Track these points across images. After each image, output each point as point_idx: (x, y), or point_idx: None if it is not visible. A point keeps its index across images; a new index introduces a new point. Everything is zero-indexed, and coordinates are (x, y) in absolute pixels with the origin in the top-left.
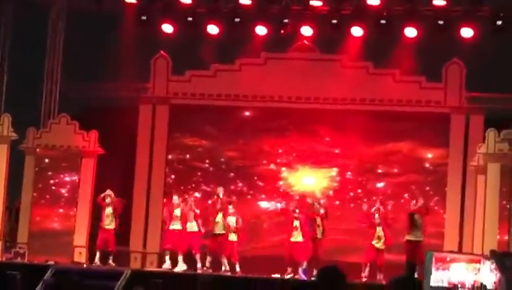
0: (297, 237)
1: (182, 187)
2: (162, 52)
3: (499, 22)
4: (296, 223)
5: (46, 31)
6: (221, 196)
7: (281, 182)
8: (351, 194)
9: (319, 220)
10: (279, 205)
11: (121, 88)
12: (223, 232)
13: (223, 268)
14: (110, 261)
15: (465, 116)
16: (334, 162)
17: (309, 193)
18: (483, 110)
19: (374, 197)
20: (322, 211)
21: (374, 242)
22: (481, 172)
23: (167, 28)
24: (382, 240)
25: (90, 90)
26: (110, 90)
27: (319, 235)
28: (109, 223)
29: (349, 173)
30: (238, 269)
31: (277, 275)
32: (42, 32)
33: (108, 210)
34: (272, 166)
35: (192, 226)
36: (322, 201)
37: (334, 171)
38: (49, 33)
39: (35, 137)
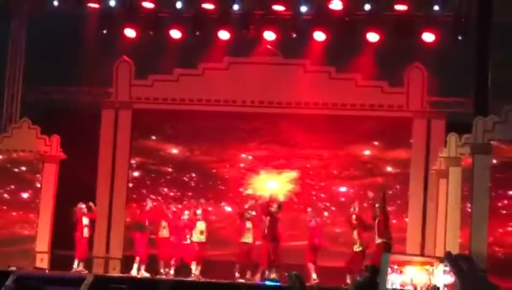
0: (248, 238)
1: (144, 191)
2: (124, 57)
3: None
4: (248, 224)
5: (7, 36)
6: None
7: (243, 187)
8: (314, 198)
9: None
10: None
11: (83, 93)
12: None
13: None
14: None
15: (427, 120)
16: (297, 166)
17: (271, 196)
18: (444, 115)
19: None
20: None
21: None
22: (443, 176)
23: (129, 33)
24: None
25: (52, 94)
26: (72, 95)
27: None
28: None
29: (311, 177)
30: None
31: (242, 280)
32: (3, 36)
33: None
34: (235, 170)
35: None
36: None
37: (297, 175)
38: (10, 37)
39: None
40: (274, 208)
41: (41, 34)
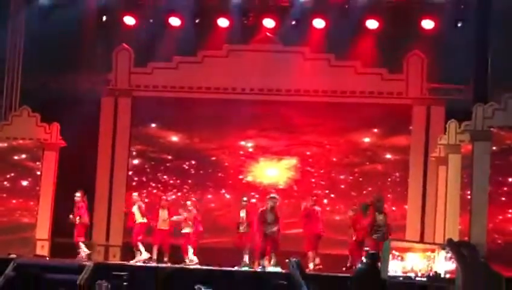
0: (244, 228)
1: (143, 179)
2: (124, 44)
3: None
4: (242, 214)
5: (6, 24)
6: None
7: (243, 174)
8: (314, 185)
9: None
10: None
11: (82, 80)
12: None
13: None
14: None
15: (427, 107)
16: (297, 153)
17: (271, 186)
18: (444, 102)
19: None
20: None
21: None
22: (442, 163)
23: (129, 20)
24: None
25: (52, 82)
26: (72, 82)
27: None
28: None
29: (311, 164)
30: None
31: (243, 267)
32: (2, 25)
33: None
34: (235, 157)
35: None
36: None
37: (296, 162)
38: (9, 26)
39: None
40: (270, 203)
41: (40, 22)
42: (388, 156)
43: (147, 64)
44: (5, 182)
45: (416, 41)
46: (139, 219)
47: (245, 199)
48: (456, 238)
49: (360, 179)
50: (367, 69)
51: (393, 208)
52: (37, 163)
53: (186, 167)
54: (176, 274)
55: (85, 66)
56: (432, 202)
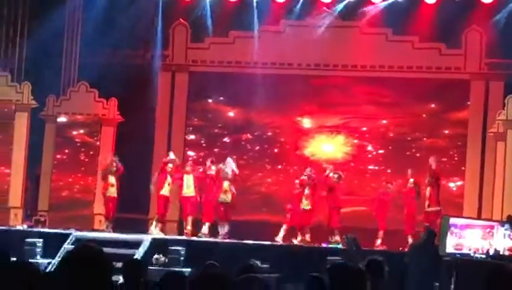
0: (306, 205)
1: (201, 154)
2: (181, 19)
3: None
4: (306, 191)
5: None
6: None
7: (299, 150)
8: (370, 161)
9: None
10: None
11: (140, 56)
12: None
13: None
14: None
15: (485, 82)
16: (354, 128)
17: (326, 161)
18: (503, 77)
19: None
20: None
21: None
22: (501, 139)
23: None
24: None
25: (110, 57)
26: (129, 57)
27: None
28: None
29: (368, 140)
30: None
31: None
32: (61, 0)
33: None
34: (291, 132)
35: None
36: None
37: (353, 138)
38: (68, 1)
39: (55, 105)
40: (334, 179)
41: None
42: (445, 131)
43: (204, 39)
44: (64, 157)
45: (475, 16)
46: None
47: (306, 173)
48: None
49: (418, 154)
50: (425, 43)
51: (451, 185)
52: (95, 138)
53: (243, 142)
54: (232, 249)
55: (142, 41)
56: (489, 178)
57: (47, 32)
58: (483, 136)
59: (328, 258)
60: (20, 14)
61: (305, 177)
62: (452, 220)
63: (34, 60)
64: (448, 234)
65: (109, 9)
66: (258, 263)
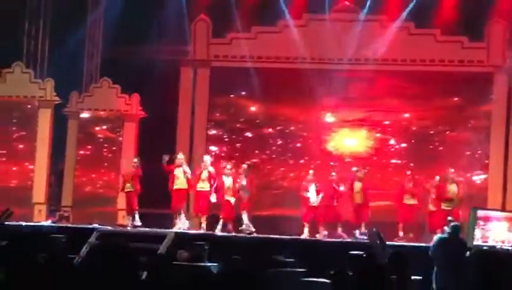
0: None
1: (224, 149)
2: (202, 15)
3: None
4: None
5: None
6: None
7: (322, 144)
8: (393, 155)
9: (358, 186)
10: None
11: (162, 51)
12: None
13: None
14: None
15: (508, 75)
16: (376, 122)
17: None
18: None
19: None
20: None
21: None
22: None
23: None
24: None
25: (131, 53)
26: (151, 53)
27: (358, 200)
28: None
29: (391, 133)
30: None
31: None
32: None
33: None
34: (314, 127)
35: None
36: (362, 171)
37: (376, 132)
38: None
39: (78, 101)
40: (360, 173)
41: None
42: (469, 124)
43: (226, 34)
44: (88, 152)
45: (497, 8)
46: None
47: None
48: None
49: (440, 148)
50: (447, 37)
51: (474, 177)
52: (118, 134)
53: (265, 137)
54: (255, 244)
55: (164, 36)
56: None
57: (69, 29)
58: (506, 129)
59: (351, 252)
60: (43, 11)
61: (334, 177)
62: (480, 212)
63: (57, 56)
64: (476, 226)
65: (131, 5)
66: (282, 257)
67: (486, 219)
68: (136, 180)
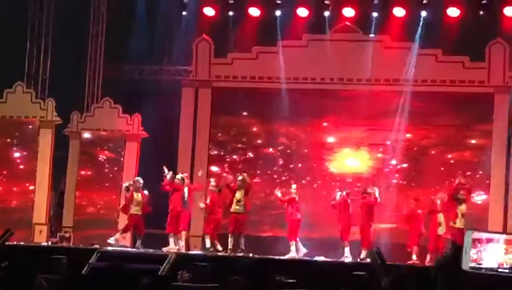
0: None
1: (225, 169)
2: (204, 35)
3: None
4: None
5: (88, 15)
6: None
7: (323, 164)
8: (396, 175)
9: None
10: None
11: (163, 71)
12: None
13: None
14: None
15: (510, 95)
16: (377, 142)
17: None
18: None
19: None
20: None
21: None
22: None
23: (209, 11)
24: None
25: (133, 73)
26: (152, 73)
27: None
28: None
29: (392, 153)
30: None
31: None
32: (84, 16)
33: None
34: (315, 147)
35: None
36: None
37: (377, 152)
38: (91, 17)
39: (79, 121)
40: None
41: (121, 13)
42: (469, 145)
43: (227, 54)
44: (89, 172)
45: (498, 29)
46: None
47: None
48: None
49: (442, 168)
50: (448, 57)
51: (475, 199)
52: (119, 154)
53: (266, 157)
54: (256, 265)
55: (165, 57)
56: None
57: (70, 49)
58: (507, 150)
59: (353, 273)
60: (44, 31)
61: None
62: (476, 234)
63: (58, 76)
64: (472, 248)
65: (132, 25)
66: (283, 278)
67: (485, 241)
68: (145, 203)
